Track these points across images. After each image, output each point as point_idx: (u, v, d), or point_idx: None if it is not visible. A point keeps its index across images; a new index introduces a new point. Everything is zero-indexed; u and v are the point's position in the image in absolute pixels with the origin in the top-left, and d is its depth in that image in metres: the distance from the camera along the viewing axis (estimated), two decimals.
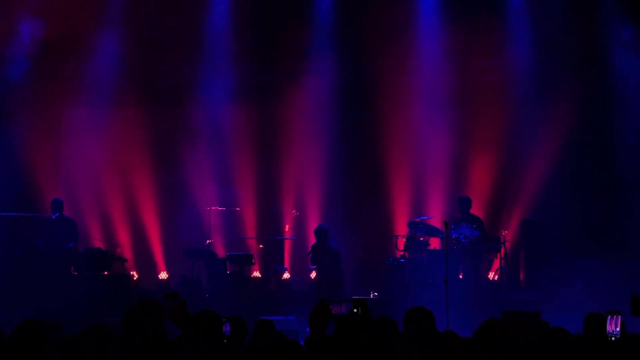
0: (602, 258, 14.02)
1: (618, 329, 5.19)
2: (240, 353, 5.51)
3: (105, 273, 13.35)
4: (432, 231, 14.17)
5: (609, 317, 5.30)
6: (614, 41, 15.29)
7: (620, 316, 5.26)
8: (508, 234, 14.31)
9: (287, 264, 15.25)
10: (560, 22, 15.25)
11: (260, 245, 15.24)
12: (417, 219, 14.50)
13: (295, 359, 4.70)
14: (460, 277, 13.40)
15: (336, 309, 4.71)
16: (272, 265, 14.99)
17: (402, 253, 14.37)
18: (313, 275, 14.32)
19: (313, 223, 15.81)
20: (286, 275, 14.68)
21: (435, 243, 14.70)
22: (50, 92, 15.89)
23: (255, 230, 15.69)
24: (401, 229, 15.20)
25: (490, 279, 13.73)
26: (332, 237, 14.44)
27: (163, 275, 14.43)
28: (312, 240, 14.80)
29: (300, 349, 4.85)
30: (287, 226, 15.29)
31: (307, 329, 5.05)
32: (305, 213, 16.03)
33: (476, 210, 14.68)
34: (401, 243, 14.48)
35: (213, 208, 15.05)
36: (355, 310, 4.71)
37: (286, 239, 15.28)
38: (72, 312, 11.96)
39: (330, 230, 14.48)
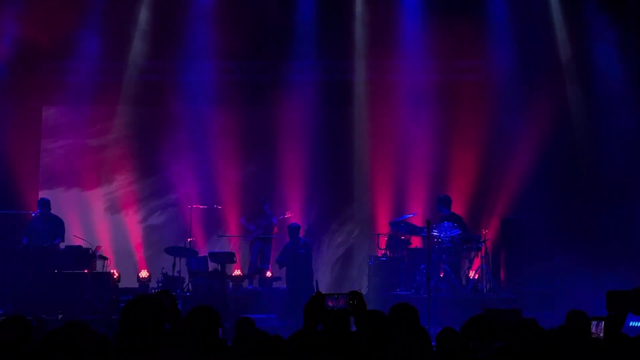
0: (582, 256, 14.13)
1: (601, 334, 5.24)
2: (226, 352, 5.50)
3: (86, 271, 13.28)
4: (414, 230, 14.23)
5: (594, 322, 5.36)
6: (596, 41, 15.41)
7: (604, 322, 5.31)
8: (489, 233, 14.37)
9: (271, 263, 15.24)
10: (541, 22, 15.35)
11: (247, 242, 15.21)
12: (399, 218, 14.56)
13: (280, 354, 4.71)
14: (442, 275, 13.46)
15: (333, 303, 4.71)
16: (255, 263, 14.99)
17: (383, 252, 14.43)
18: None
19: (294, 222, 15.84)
20: (268, 274, 14.70)
21: (416, 242, 14.76)
22: (30, 89, 15.81)
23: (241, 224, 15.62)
24: (383, 227, 15.25)
25: (471, 277, 13.80)
26: (307, 234, 14.44)
27: (144, 273, 14.36)
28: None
29: (284, 343, 4.87)
30: (275, 228, 15.26)
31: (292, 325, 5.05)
32: (286, 211, 16.03)
33: (457, 209, 14.74)
34: (383, 242, 14.55)
35: (194, 206, 15.01)
36: (351, 302, 4.72)
37: (274, 236, 15.26)
38: (53, 310, 11.94)
39: (303, 227, 14.51)
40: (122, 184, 16.38)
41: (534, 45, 15.56)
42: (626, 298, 3.90)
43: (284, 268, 14.26)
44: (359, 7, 15.55)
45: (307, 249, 14.18)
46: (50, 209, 14.11)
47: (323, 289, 14.58)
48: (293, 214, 15.35)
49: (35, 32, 15.03)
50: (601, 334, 5.22)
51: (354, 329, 4.86)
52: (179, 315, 4.93)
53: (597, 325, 5.19)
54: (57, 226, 14.05)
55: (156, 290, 5.72)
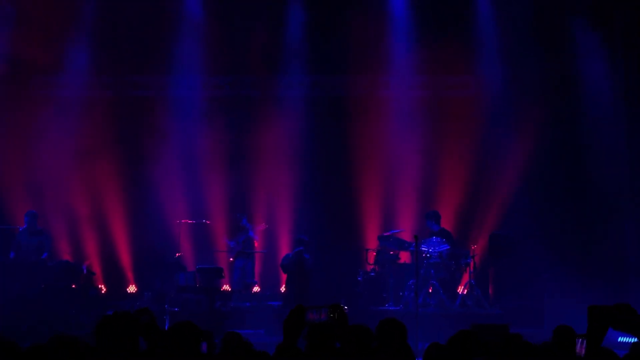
0: (570, 272, 14.14)
1: (583, 352, 5.23)
2: None
3: (74, 286, 13.22)
4: (402, 245, 14.23)
5: (578, 340, 5.35)
6: (583, 54, 15.50)
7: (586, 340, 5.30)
8: (477, 248, 14.40)
9: (257, 278, 15.20)
10: (529, 37, 15.43)
11: (231, 259, 15.16)
12: (387, 233, 14.56)
13: None
14: (430, 290, 13.46)
15: (314, 316, 4.68)
16: (242, 278, 14.95)
17: (372, 267, 14.41)
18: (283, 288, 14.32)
19: (283, 237, 15.83)
20: (256, 289, 14.65)
21: (405, 257, 14.76)
22: (18, 103, 15.78)
23: (225, 243, 15.60)
24: (371, 242, 15.24)
25: (460, 292, 13.80)
26: (307, 251, 14.40)
27: (132, 288, 14.30)
28: (282, 253, 14.85)
29: (269, 358, 4.85)
30: (256, 242, 15.21)
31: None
32: (276, 227, 16.01)
33: (446, 224, 14.77)
34: (371, 257, 14.54)
35: (183, 221, 14.97)
36: (332, 315, 4.69)
37: (257, 252, 15.22)
38: (40, 325, 11.87)
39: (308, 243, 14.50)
40: (110, 198, 16.31)
41: (522, 61, 15.64)
42: (608, 313, 3.90)
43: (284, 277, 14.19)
44: (348, 22, 15.57)
45: (309, 264, 14.17)
46: (37, 222, 14.05)
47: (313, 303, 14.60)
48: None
49: (25, 47, 15.05)
50: (583, 352, 5.22)
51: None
52: (158, 332, 4.92)
53: (582, 343, 5.20)
54: (44, 240, 13.99)
55: (140, 307, 5.71)
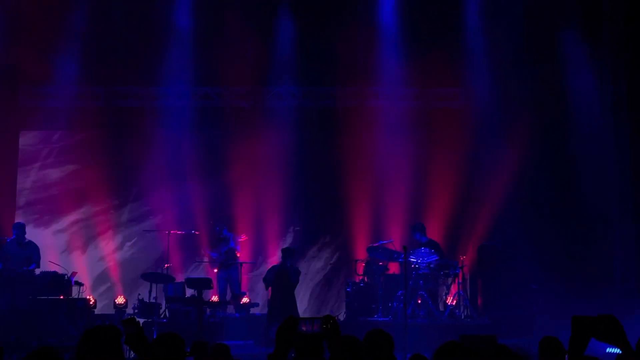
0: (559, 282, 14.18)
1: None
2: None
3: (62, 297, 13.16)
4: (391, 256, 14.24)
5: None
6: (572, 66, 15.57)
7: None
8: (466, 259, 14.41)
9: (245, 288, 15.16)
10: (518, 48, 15.50)
11: (215, 270, 15.11)
12: (376, 244, 14.56)
13: None
14: (419, 301, 13.46)
15: (307, 327, 4.67)
16: (227, 289, 14.89)
17: (361, 277, 14.41)
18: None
19: (272, 248, 15.82)
20: (245, 300, 14.59)
21: (394, 268, 14.76)
22: (7, 114, 15.75)
23: (207, 253, 15.56)
24: (361, 253, 15.24)
25: (448, 303, 13.80)
26: (295, 261, 14.30)
27: (120, 299, 14.24)
28: (270, 264, 14.84)
29: None
30: (238, 252, 15.14)
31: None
32: (264, 238, 16.00)
33: (434, 235, 14.79)
34: (360, 267, 14.53)
35: (172, 232, 14.95)
36: (325, 326, 4.68)
37: (244, 262, 15.17)
38: (28, 336, 11.81)
39: (295, 253, 14.42)
40: (99, 209, 16.28)
41: (511, 73, 15.69)
42: (592, 324, 3.91)
43: (269, 290, 14.09)
44: (338, 33, 15.60)
45: (296, 275, 14.04)
46: (25, 233, 14.01)
47: (301, 314, 14.58)
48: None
49: (14, 57, 15.03)
50: None
51: (328, 354, 4.84)
52: (146, 343, 4.90)
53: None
54: (32, 251, 13.95)
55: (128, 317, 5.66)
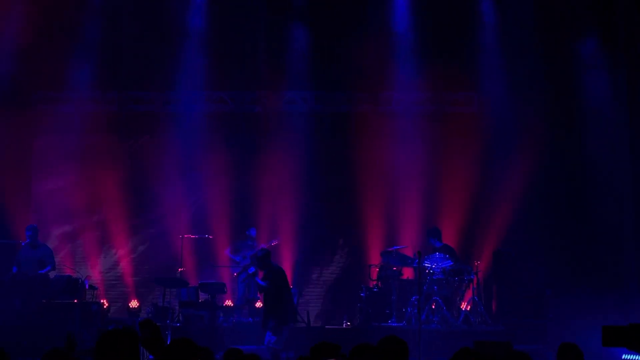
0: (573, 289, 14.11)
1: None
2: None
3: (75, 301, 13.19)
4: (405, 261, 14.20)
5: None
6: (586, 71, 15.51)
7: None
8: (480, 265, 14.35)
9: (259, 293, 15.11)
10: (531, 53, 15.46)
11: (235, 274, 15.08)
12: (390, 249, 14.53)
13: None
14: (433, 307, 13.41)
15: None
16: (246, 294, 14.88)
17: (375, 283, 14.37)
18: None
19: (286, 252, 15.79)
20: (259, 304, 14.56)
21: (408, 273, 14.71)
22: (21, 119, 15.79)
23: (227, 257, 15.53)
24: (374, 258, 15.20)
25: (463, 309, 13.74)
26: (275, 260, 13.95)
27: (134, 303, 14.25)
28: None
29: None
30: None
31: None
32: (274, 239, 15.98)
33: (449, 240, 14.73)
34: (374, 273, 14.50)
35: (185, 236, 14.94)
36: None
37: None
38: (41, 340, 11.82)
39: (294, 257, 14.34)
40: (112, 213, 16.29)
41: (525, 78, 15.64)
42: (622, 333, 3.87)
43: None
44: (352, 39, 15.59)
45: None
46: (37, 235, 14.04)
47: (314, 319, 14.57)
48: (280, 242, 15.19)
49: (28, 62, 15.09)
50: None
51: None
52: (162, 344, 4.89)
53: None
54: (44, 253, 13.97)
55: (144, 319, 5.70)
